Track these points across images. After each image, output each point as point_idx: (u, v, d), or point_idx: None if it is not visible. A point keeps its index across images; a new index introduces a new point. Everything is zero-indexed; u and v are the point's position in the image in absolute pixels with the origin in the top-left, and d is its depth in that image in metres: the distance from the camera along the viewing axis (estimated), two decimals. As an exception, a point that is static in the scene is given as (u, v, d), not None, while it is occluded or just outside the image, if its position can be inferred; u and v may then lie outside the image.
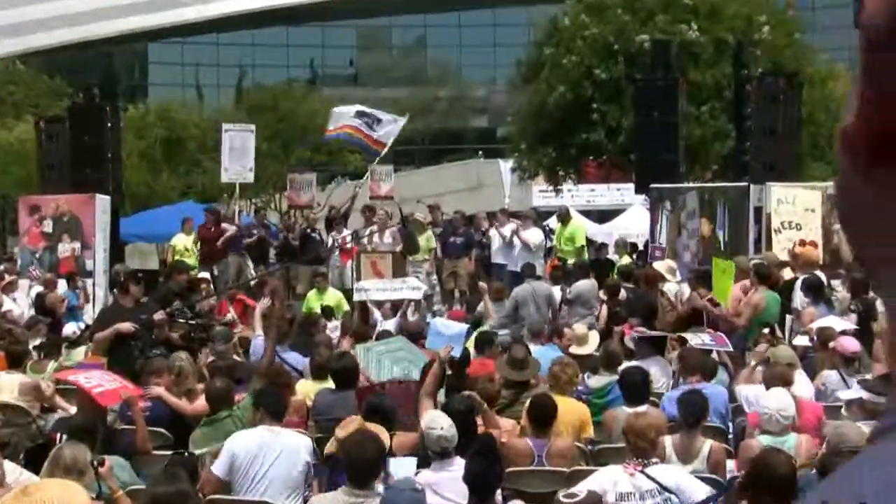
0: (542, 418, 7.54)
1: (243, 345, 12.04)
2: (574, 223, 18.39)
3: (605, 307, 13.46)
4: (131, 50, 60.14)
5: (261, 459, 6.76)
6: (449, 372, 9.62)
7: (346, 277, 17.46)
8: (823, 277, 12.23)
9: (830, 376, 9.14)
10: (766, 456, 5.87)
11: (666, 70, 18.69)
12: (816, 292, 11.42)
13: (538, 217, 21.10)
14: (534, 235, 17.19)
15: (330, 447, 6.92)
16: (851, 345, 9.25)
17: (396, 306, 14.89)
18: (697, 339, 9.89)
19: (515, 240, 17.47)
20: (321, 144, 40.63)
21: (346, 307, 15.56)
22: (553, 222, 21.24)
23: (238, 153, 20.87)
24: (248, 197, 28.68)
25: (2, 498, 4.94)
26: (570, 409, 8.14)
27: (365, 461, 5.91)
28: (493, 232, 18.26)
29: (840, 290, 12.05)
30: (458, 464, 6.42)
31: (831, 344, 9.37)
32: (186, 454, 7.56)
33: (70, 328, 13.20)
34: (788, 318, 11.67)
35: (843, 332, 9.69)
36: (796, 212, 15.02)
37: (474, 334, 11.56)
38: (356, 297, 15.65)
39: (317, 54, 63.68)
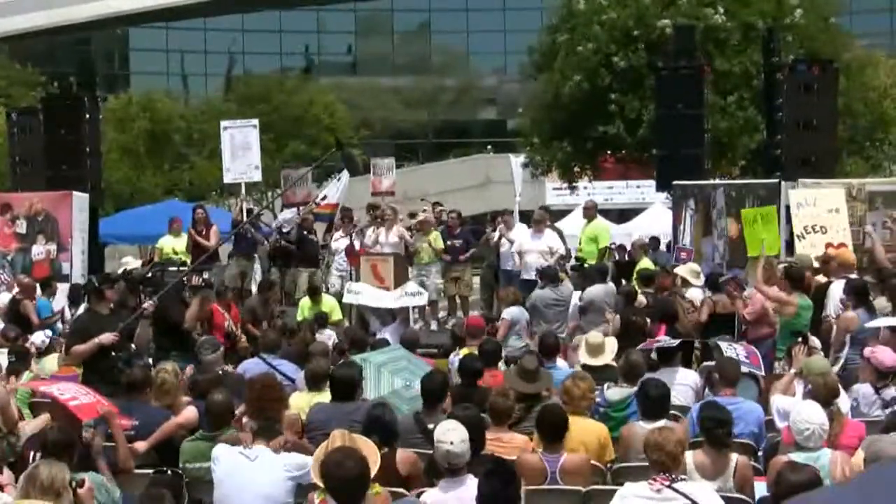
0: (553, 430, 7.52)
1: (243, 355, 12.06)
2: (599, 221, 18.24)
3: (617, 316, 13.25)
4: (111, 35, 60.25)
5: (228, 482, 6.85)
6: (458, 381, 9.63)
7: (346, 283, 17.47)
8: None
9: (863, 389, 9.12)
10: (785, 472, 5.90)
11: (690, 57, 18.66)
12: (861, 296, 11.35)
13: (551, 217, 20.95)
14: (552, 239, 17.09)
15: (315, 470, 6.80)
16: (888, 358, 9.16)
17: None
18: (731, 350, 9.82)
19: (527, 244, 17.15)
20: (317, 138, 40.73)
21: (339, 315, 15.59)
22: (569, 223, 21.13)
23: (241, 151, 20.91)
24: (235, 194, 28.70)
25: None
26: (586, 429, 8.06)
27: (346, 481, 5.80)
28: (497, 235, 18.00)
29: (879, 299, 11.89)
30: (470, 484, 6.34)
31: (866, 353, 9.30)
32: (171, 472, 7.56)
33: (38, 337, 13.15)
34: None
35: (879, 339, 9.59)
36: (819, 214, 14.83)
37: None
38: (346, 298, 15.72)
39: (312, 41, 63.79)
